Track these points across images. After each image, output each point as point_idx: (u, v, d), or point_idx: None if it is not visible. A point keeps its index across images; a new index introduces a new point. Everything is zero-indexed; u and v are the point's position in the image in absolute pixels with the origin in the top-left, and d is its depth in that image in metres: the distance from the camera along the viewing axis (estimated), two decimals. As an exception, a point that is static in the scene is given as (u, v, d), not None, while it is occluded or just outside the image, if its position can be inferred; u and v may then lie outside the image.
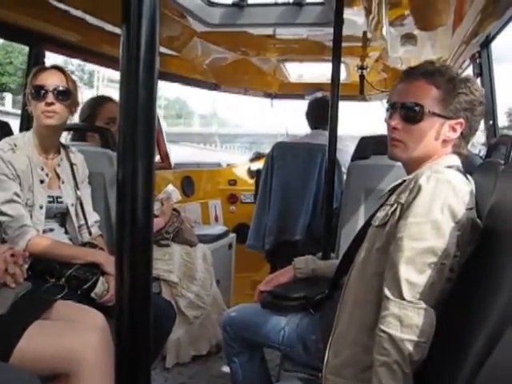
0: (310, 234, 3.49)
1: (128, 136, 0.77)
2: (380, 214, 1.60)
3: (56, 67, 2.24)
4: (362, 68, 4.24)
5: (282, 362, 2.05)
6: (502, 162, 1.83)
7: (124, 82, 0.76)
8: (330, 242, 2.59)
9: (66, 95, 2.18)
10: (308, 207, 3.52)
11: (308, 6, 3.11)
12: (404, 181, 1.60)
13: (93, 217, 2.38)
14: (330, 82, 2.53)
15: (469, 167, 2.05)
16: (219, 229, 4.01)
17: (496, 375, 1.07)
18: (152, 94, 0.77)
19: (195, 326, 3.10)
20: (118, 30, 0.77)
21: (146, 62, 0.75)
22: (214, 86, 4.76)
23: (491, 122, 2.74)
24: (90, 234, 2.34)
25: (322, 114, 3.70)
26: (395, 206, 1.52)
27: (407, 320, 1.33)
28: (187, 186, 4.40)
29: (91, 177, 2.45)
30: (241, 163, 5.40)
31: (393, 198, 1.58)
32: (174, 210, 3.21)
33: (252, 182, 4.80)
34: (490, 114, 2.76)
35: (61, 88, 2.16)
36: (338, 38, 2.50)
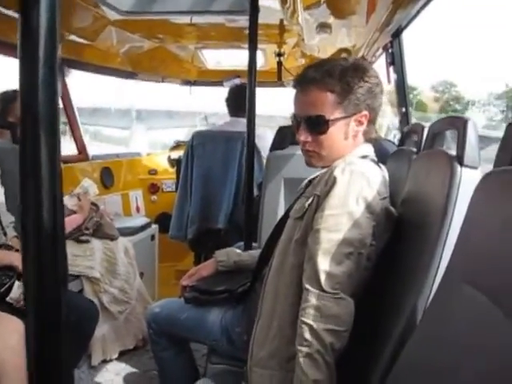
0: (232, 222, 3.50)
1: (28, 127, 0.73)
2: (297, 206, 1.62)
3: None
4: (279, 55, 4.25)
5: (209, 355, 2.05)
6: (415, 150, 1.88)
7: (23, 71, 0.72)
8: (252, 231, 2.60)
9: None
10: (230, 195, 3.52)
11: None
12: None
13: (7, 217, 2.29)
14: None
15: (383, 154, 2.11)
16: (141, 220, 3.94)
17: (410, 363, 1.12)
18: (53, 83, 0.73)
19: (120, 321, 3.04)
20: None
21: (47, 49, 0.71)
22: (131, 75, 4.66)
23: (404, 110, 2.82)
24: (5, 235, 2.25)
25: (242, 102, 3.71)
26: (312, 198, 1.54)
27: (327, 310, 1.36)
28: (106, 177, 4.29)
29: (3, 175, 2.35)
30: (161, 152, 5.33)
31: (309, 189, 1.61)
32: (93, 204, 3.13)
33: (173, 170, 4.75)
34: (402, 102, 2.84)
35: None
36: (253, 26, 2.50)
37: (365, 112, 1.60)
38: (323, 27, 3.04)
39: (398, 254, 1.47)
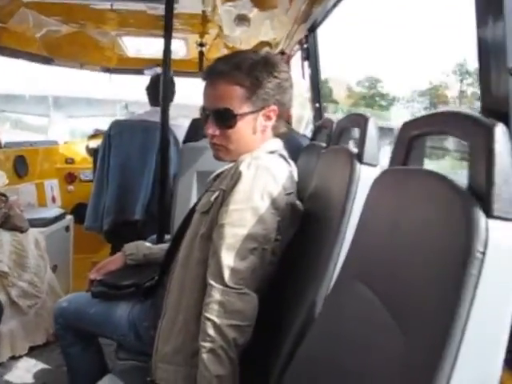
0: (149, 214, 3.43)
1: None
2: (204, 201, 1.61)
3: None
4: (201, 45, 4.21)
5: (117, 350, 2.01)
6: (325, 144, 1.90)
7: None
8: (166, 224, 2.57)
9: None
10: (147, 186, 3.46)
11: None
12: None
13: None
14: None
15: (297, 149, 2.11)
16: (55, 211, 3.82)
17: (308, 357, 1.13)
18: None
19: (30, 316, 2.96)
20: None
21: None
22: (48, 60, 4.48)
23: (317, 105, 2.85)
24: None
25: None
26: (218, 192, 1.53)
27: (230, 306, 1.36)
28: (20, 166, 4.11)
29: None
30: (79, 141, 5.18)
31: (216, 184, 1.60)
32: (1, 194, 3.01)
33: (91, 160, 4.63)
34: (316, 97, 2.87)
35: None
36: (169, 14, 2.45)
37: (273, 107, 1.59)
38: (242, 20, 3.03)
39: (302, 249, 1.48)
